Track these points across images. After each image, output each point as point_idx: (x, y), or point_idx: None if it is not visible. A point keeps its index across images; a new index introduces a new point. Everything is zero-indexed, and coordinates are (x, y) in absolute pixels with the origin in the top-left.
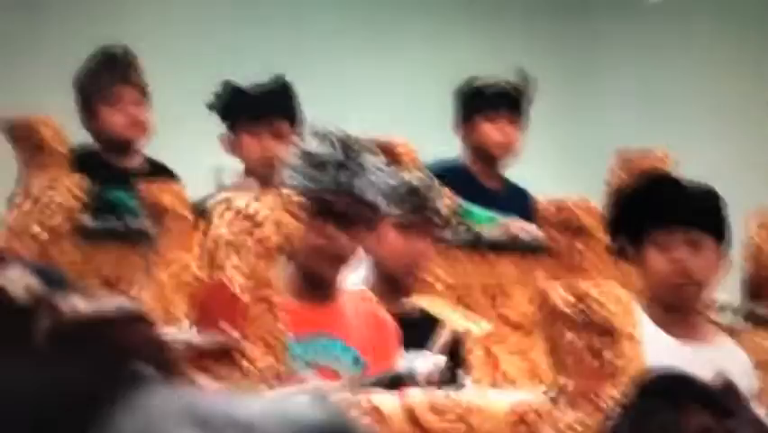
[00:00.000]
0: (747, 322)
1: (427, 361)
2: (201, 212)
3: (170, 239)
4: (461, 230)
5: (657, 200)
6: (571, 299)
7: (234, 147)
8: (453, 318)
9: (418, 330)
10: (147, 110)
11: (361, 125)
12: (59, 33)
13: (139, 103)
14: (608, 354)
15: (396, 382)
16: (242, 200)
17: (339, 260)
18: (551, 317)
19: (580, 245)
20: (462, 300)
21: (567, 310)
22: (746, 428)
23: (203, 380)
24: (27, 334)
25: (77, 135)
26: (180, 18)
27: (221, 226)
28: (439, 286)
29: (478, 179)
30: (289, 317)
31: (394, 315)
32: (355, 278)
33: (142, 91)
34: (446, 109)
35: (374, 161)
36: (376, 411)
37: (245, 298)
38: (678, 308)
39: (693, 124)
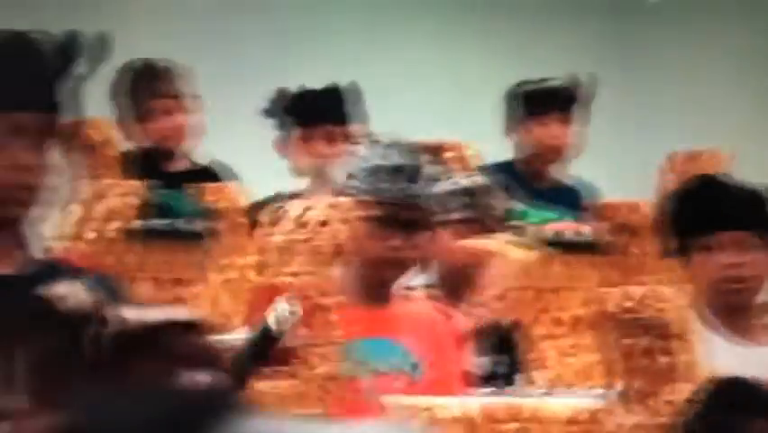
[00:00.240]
0: None
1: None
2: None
3: (224, 242)
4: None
5: (706, 203)
6: (627, 302)
7: (288, 151)
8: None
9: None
10: (184, 116)
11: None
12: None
13: (173, 111)
14: (664, 358)
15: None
16: (297, 207)
17: (403, 267)
18: (606, 321)
19: (633, 247)
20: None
21: (623, 314)
22: None
23: (261, 385)
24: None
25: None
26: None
27: (276, 233)
28: None
29: (529, 180)
30: (348, 322)
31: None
32: (416, 281)
33: (177, 98)
34: (498, 111)
35: (434, 167)
36: (435, 420)
37: (302, 304)
38: (730, 310)
39: (746, 125)
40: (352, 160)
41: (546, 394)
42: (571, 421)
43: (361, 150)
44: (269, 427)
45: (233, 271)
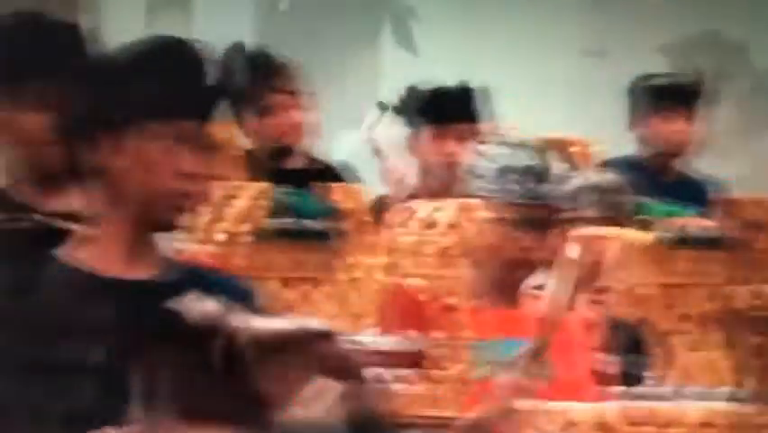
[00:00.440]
0: None
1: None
2: (377, 212)
3: (351, 242)
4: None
5: None
6: (757, 300)
7: (417, 149)
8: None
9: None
10: (301, 113)
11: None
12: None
13: (290, 108)
14: None
15: None
16: (424, 208)
17: (533, 267)
18: (734, 320)
19: (759, 242)
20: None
21: (752, 312)
22: None
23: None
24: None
25: None
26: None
27: (405, 234)
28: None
29: (654, 175)
30: (480, 323)
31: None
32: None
33: (294, 95)
34: (619, 107)
35: (562, 165)
36: (569, 423)
37: (431, 305)
38: None
39: None
40: (479, 159)
41: (678, 394)
42: (707, 424)
43: (489, 149)
44: None
45: (359, 270)
